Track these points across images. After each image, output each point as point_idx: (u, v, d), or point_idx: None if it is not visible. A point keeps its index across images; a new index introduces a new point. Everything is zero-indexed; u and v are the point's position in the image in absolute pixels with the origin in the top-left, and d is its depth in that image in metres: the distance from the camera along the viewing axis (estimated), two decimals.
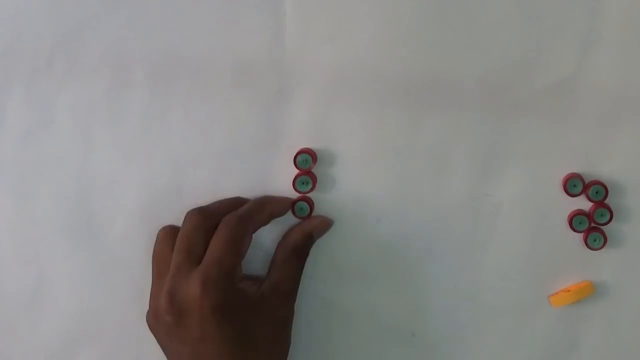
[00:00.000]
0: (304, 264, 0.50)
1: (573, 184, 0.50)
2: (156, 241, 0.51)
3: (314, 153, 0.51)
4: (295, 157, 0.51)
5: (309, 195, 0.52)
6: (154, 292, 0.50)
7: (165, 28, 0.52)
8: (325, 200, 0.52)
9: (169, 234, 0.50)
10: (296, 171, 0.51)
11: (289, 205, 0.51)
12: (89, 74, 0.53)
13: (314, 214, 0.52)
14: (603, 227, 0.50)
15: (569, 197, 0.50)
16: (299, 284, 0.49)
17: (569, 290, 0.51)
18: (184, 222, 0.49)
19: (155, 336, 0.49)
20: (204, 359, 0.46)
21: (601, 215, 0.50)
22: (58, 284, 0.54)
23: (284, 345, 0.49)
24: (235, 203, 0.50)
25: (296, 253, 0.50)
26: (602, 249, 0.50)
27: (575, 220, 0.50)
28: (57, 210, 0.54)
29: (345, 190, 0.52)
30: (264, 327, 0.47)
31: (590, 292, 0.50)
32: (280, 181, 0.52)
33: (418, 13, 0.50)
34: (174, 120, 0.53)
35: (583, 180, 0.50)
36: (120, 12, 0.52)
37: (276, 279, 0.48)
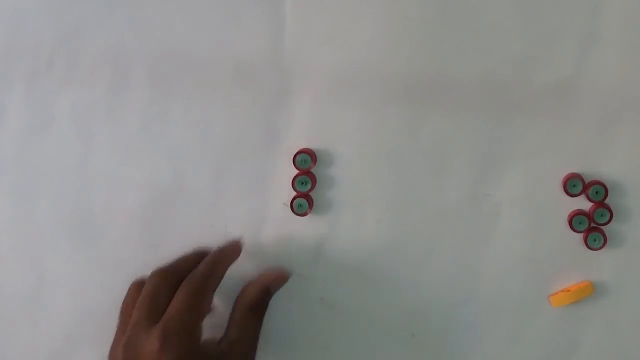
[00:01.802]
0: (262, 319, 0.49)
1: (573, 184, 0.50)
2: (127, 293, 0.50)
3: (314, 153, 0.51)
4: (294, 157, 0.51)
5: (309, 194, 0.52)
6: (114, 343, 0.49)
7: (165, 28, 0.52)
8: (324, 200, 0.52)
9: (139, 287, 0.49)
10: (295, 171, 0.51)
11: (239, 251, 0.51)
12: (89, 74, 0.53)
13: (313, 213, 0.52)
14: (603, 227, 0.50)
15: (569, 197, 0.50)
16: (257, 340, 0.49)
17: (569, 290, 0.51)
18: (147, 279, 0.49)
19: None
20: None
21: (601, 215, 0.50)
22: (58, 284, 0.54)
23: None
24: (197, 258, 0.50)
25: (254, 310, 0.49)
26: (602, 249, 0.50)
27: (575, 220, 0.50)
28: (57, 210, 0.54)
29: (345, 190, 0.52)
30: None
31: (590, 292, 0.50)
32: (280, 181, 0.52)
33: (418, 13, 0.50)
34: (174, 120, 0.53)
35: (583, 180, 0.50)
36: (120, 12, 0.52)
37: (235, 338, 0.48)
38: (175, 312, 0.46)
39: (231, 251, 0.51)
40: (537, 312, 0.51)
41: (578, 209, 0.50)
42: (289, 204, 0.51)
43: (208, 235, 0.53)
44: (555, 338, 0.51)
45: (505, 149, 0.50)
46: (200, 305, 0.47)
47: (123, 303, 0.50)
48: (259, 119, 0.52)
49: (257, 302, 0.49)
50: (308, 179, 0.51)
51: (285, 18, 0.51)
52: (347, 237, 0.52)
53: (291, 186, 0.51)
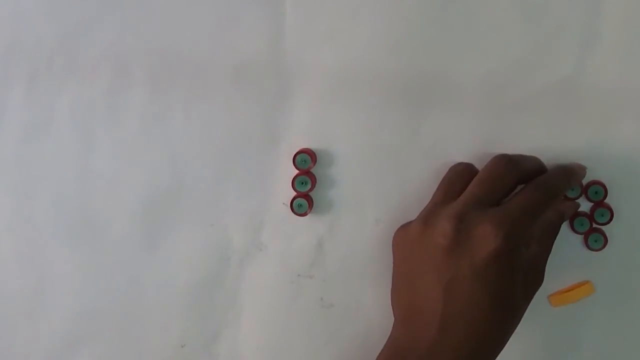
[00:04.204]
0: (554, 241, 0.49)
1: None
2: (455, 167, 0.50)
3: (314, 153, 0.51)
4: (294, 157, 0.51)
5: (309, 194, 0.52)
6: (427, 213, 0.48)
7: (165, 28, 0.52)
8: (324, 200, 0.52)
9: (466, 170, 0.49)
10: (295, 171, 0.51)
11: (582, 178, 0.50)
12: (89, 74, 0.53)
13: (313, 213, 0.52)
14: (603, 228, 0.50)
15: (569, 197, 0.50)
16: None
17: (569, 290, 0.51)
18: (491, 164, 0.48)
19: (398, 250, 0.49)
20: (458, 297, 0.44)
21: (601, 215, 0.50)
22: (58, 284, 0.54)
23: (520, 319, 0.47)
24: (538, 163, 0.49)
25: (552, 228, 0.48)
26: (603, 250, 0.50)
27: (576, 221, 0.50)
28: (57, 210, 0.54)
29: (345, 190, 0.52)
30: (520, 292, 0.46)
31: (590, 292, 0.50)
32: (280, 181, 0.52)
33: (418, 13, 0.50)
34: (174, 120, 0.53)
35: (581, 183, 0.50)
36: (120, 12, 0.52)
37: (537, 251, 0.47)
38: (522, 205, 0.45)
39: (579, 173, 0.49)
40: (537, 312, 0.51)
41: (579, 210, 0.50)
42: (289, 204, 0.51)
43: (208, 235, 0.53)
44: (555, 338, 0.51)
45: (505, 149, 0.50)
46: (537, 216, 0.46)
47: (444, 179, 0.49)
48: (259, 119, 0.52)
49: (554, 222, 0.48)
50: (308, 179, 0.51)
51: (285, 18, 0.51)
52: (347, 237, 0.52)
53: (291, 186, 0.51)
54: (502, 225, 0.44)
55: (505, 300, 0.45)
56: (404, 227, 0.48)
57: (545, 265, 0.48)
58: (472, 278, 0.44)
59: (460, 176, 0.49)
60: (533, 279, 0.47)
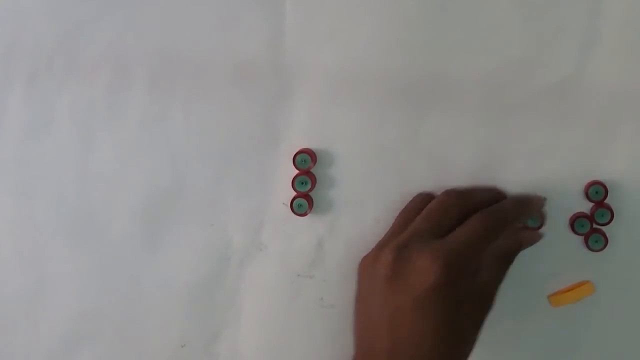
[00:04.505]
0: (507, 270, 0.48)
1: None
2: (411, 200, 0.50)
3: (314, 153, 0.51)
4: (294, 157, 0.51)
5: (309, 194, 0.52)
6: (382, 242, 0.48)
7: (165, 28, 0.52)
8: (324, 200, 0.52)
9: (426, 199, 0.49)
10: (295, 171, 0.51)
11: (540, 207, 0.50)
12: (88, 74, 0.53)
13: (313, 213, 0.52)
14: (604, 228, 0.50)
15: (569, 197, 0.50)
16: (500, 287, 0.48)
17: (569, 290, 0.51)
18: (441, 196, 0.48)
19: (359, 276, 0.48)
20: (402, 327, 0.44)
21: (602, 216, 0.50)
22: (58, 284, 0.54)
23: (473, 344, 0.46)
24: (494, 194, 0.50)
25: (505, 258, 0.48)
26: (603, 250, 0.50)
27: (577, 223, 0.50)
28: (57, 210, 0.54)
29: (345, 190, 0.52)
30: (467, 322, 0.45)
31: (590, 292, 0.50)
32: (280, 181, 0.52)
33: (418, 13, 0.50)
34: (174, 120, 0.53)
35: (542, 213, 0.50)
36: (120, 13, 0.52)
37: (486, 280, 0.47)
38: (462, 241, 0.45)
39: (535, 207, 0.50)
40: (537, 312, 0.51)
41: (579, 212, 0.50)
42: (289, 204, 0.51)
43: (208, 235, 0.53)
44: (555, 338, 0.51)
45: (505, 149, 0.50)
46: (484, 244, 0.46)
47: (404, 208, 0.50)
48: (259, 119, 0.52)
49: (508, 251, 0.48)
50: (308, 179, 0.51)
51: (285, 18, 0.51)
52: (347, 237, 0.52)
53: (291, 186, 0.51)
54: (441, 258, 0.44)
55: (451, 329, 0.44)
56: (365, 255, 0.49)
57: (496, 292, 0.47)
58: (414, 309, 0.44)
59: (417, 206, 0.49)
60: (482, 305, 0.47)
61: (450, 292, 0.44)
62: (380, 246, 0.48)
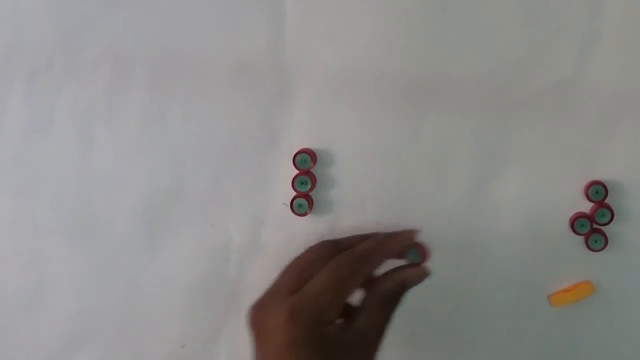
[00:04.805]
0: (394, 313, 0.46)
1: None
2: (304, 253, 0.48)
3: (314, 153, 0.51)
4: (294, 157, 0.51)
5: (309, 194, 0.52)
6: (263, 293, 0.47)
7: (165, 28, 0.52)
8: (324, 200, 0.52)
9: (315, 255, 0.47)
10: (295, 171, 0.51)
11: (410, 242, 0.48)
12: (89, 74, 0.53)
13: (312, 213, 0.52)
14: (604, 228, 0.50)
15: (569, 197, 0.50)
16: (385, 334, 0.45)
17: (569, 290, 0.51)
18: (307, 249, 0.47)
19: None
20: None
21: (602, 216, 0.50)
22: (58, 284, 0.54)
23: None
24: (364, 238, 0.47)
25: (388, 301, 0.46)
26: (603, 250, 0.50)
27: (577, 223, 0.50)
28: (57, 210, 0.54)
29: (345, 190, 0.52)
30: None
31: (590, 292, 0.50)
32: (280, 181, 0.52)
33: (418, 13, 0.50)
34: (174, 120, 0.53)
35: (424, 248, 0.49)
36: (120, 13, 0.52)
37: (362, 327, 0.44)
38: (313, 291, 0.44)
39: (401, 240, 0.48)
40: (537, 312, 0.51)
41: (579, 212, 0.50)
42: (289, 204, 0.51)
43: (208, 235, 0.53)
44: (555, 338, 0.51)
45: (505, 149, 0.50)
46: (343, 289, 0.44)
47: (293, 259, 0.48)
48: (259, 119, 0.52)
49: (391, 294, 0.46)
50: (308, 179, 0.51)
51: (285, 18, 0.51)
52: None
53: (291, 186, 0.51)
54: (294, 312, 0.43)
55: None
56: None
57: (381, 335, 0.45)
58: None
59: (317, 261, 0.46)
60: (361, 352, 0.44)
61: (313, 345, 0.42)
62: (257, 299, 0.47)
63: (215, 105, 0.52)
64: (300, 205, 0.51)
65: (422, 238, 0.48)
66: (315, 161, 0.51)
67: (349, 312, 0.45)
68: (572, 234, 0.50)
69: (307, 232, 0.52)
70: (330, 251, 0.46)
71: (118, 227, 0.54)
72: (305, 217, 0.52)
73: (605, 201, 0.50)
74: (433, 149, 0.51)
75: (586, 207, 0.50)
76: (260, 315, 0.44)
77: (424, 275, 0.47)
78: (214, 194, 0.53)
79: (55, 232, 0.54)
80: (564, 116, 0.50)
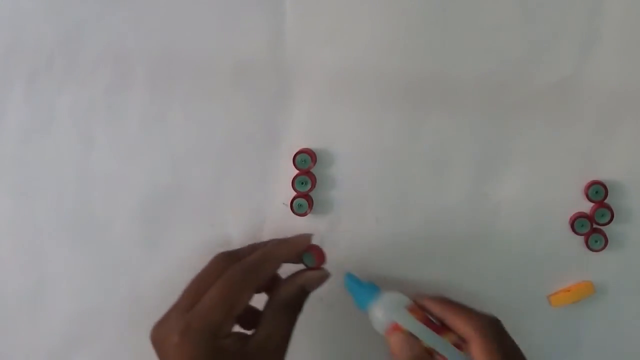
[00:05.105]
0: (296, 319, 0.46)
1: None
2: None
3: (314, 153, 0.51)
4: (294, 157, 0.51)
5: (309, 194, 0.52)
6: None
7: (165, 28, 0.52)
8: (324, 200, 0.52)
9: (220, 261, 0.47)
10: (295, 171, 0.51)
11: (302, 247, 0.48)
12: (89, 74, 0.53)
13: (312, 213, 0.52)
14: (604, 228, 0.50)
15: (569, 197, 0.50)
16: (289, 341, 0.45)
17: (569, 290, 0.51)
18: (210, 260, 0.47)
19: None
20: None
21: (602, 215, 0.50)
22: (58, 284, 0.54)
23: None
24: (257, 248, 0.47)
25: (287, 308, 0.46)
26: (603, 250, 0.50)
27: (577, 223, 0.50)
28: (57, 210, 0.54)
29: (345, 190, 0.52)
30: None
31: (590, 292, 0.50)
32: (280, 181, 0.52)
33: (418, 13, 0.50)
34: (174, 120, 0.53)
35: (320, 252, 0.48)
36: (120, 13, 0.52)
37: (263, 336, 0.45)
38: (204, 307, 0.44)
39: (293, 246, 0.48)
40: (537, 312, 0.51)
41: (579, 212, 0.50)
42: (289, 204, 0.51)
43: (208, 235, 0.53)
44: (555, 338, 0.51)
45: (505, 149, 0.50)
46: (234, 301, 0.44)
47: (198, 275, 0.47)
48: (259, 119, 0.52)
49: (291, 300, 0.46)
50: (308, 179, 0.51)
51: (285, 18, 0.51)
52: (347, 237, 0.52)
53: (291, 186, 0.51)
54: (187, 331, 0.43)
55: None
56: None
57: (282, 344, 0.45)
58: None
59: (209, 277, 0.46)
60: None
61: None
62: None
63: (215, 105, 0.52)
64: (300, 205, 0.51)
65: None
66: (315, 161, 0.51)
67: (256, 320, 0.45)
68: (572, 234, 0.50)
69: (307, 232, 0.52)
70: (224, 264, 0.45)
71: (118, 227, 0.54)
72: (305, 217, 0.52)
73: (605, 201, 0.50)
74: (433, 149, 0.51)
75: (586, 207, 0.50)
76: (159, 334, 0.44)
77: (322, 277, 0.47)
78: (214, 194, 0.53)
79: (55, 232, 0.54)
80: (564, 116, 0.50)
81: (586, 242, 0.50)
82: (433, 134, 0.51)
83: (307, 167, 0.51)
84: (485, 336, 0.42)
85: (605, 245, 0.50)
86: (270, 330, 0.45)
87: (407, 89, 0.51)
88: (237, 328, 0.46)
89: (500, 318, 0.51)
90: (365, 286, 0.47)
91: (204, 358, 0.42)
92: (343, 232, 0.52)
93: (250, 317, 0.47)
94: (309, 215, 0.52)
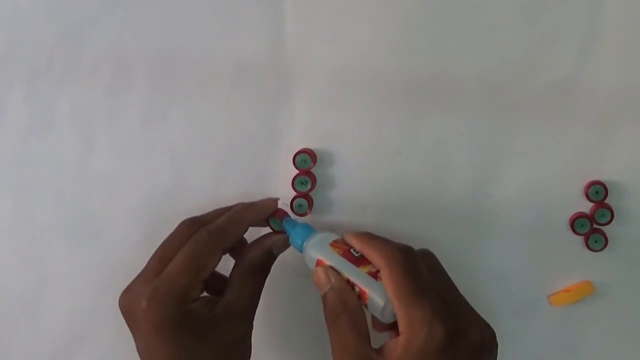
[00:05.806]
0: (264, 282, 0.47)
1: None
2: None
3: (313, 153, 0.51)
4: (294, 157, 0.51)
5: (309, 194, 0.52)
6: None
7: (165, 28, 0.52)
8: (324, 200, 0.52)
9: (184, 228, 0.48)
10: (295, 171, 0.51)
11: (269, 211, 0.49)
12: (89, 74, 0.53)
13: (312, 213, 0.52)
14: (604, 228, 0.50)
15: (569, 197, 0.50)
16: (257, 303, 0.46)
17: (569, 290, 0.51)
18: (177, 227, 0.48)
19: None
20: None
21: (602, 216, 0.50)
22: (58, 284, 0.54)
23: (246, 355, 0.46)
24: (222, 212, 0.48)
25: (254, 270, 0.47)
26: (603, 250, 0.50)
27: (577, 223, 0.50)
28: (57, 210, 0.54)
29: (345, 190, 0.52)
30: (211, 350, 0.44)
31: (590, 292, 0.50)
32: (280, 181, 0.52)
33: (418, 13, 0.50)
34: (174, 120, 0.53)
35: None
36: (120, 13, 0.52)
37: (231, 299, 0.45)
38: (171, 272, 0.44)
39: (258, 210, 0.48)
40: (537, 312, 0.51)
41: (579, 212, 0.50)
42: (289, 204, 0.51)
43: None
44: (555, 338, 0.51)
45: (505, 149, 0.50)
46: (200, 266, 0.44)
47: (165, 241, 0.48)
48: (259, 119, 0.52)
49: (258, 263, 0.47)
50: (308, 179, 0.51)
51: (285, 18, 0.51)
52: None
53: (291, 186, 0.51)
54: (154, 296, 0.43)
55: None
56: None
57: (250, 307, 0.46)
58: (147, 351, 0.44)
59: (176, 242, 0.47)
60: (228, 327, 0.45)
61: (177, 327, 0.43)
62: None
63: (215, 105, 0.52)
64: (300, 205, 0.51)
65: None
66: (315, 161, 0.51)
67: (224, 287, 0.46)
68: (572, 234, 0.50)
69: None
70: (190, 230, 0.46)
71: (118, 227, 0.54)
72: (305, 217, 0.52)
73: (605, 201, 0.50)
74: (433, 148, 0.51)
75: (586, 207, 0.50)
76: (127, 300, 0.45)
77: (284, 240, 0.48)
78: (214, 194, 0.53)
79: (55, 232, 0.54)
80: (564, 116, 0.50)
81: (586, 242, 0.50)
82: (433, 133, 0.51)
83: (307, 167, 0.51)
84: (391, 263, 0.42)
85: (605, 245, 0.50)
86: (237, 292, 0.46)
87: (407, 89, 0.51)
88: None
89: (500, 318, 0.51)
90: (300, 227, 0.48)
91: (172, 322, 0.43)
92: (343, 231, 0.52)
93: (218, 284, 0.47)
94: (309, 215, 0.52)
